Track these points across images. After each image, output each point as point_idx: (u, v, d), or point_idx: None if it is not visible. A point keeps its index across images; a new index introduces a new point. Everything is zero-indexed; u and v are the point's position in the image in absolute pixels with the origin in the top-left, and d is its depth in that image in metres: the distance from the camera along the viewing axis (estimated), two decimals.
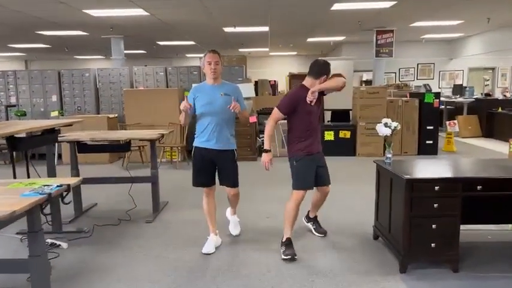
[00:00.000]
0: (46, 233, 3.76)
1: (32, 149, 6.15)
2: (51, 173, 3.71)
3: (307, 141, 3.30)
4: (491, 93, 11.97)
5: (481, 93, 11.56)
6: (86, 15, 7.80)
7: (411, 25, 10.02)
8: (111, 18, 8.23)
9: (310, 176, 3.32)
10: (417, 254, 2.93)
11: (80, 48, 13.48)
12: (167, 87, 8.13)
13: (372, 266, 3.10)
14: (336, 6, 7.65)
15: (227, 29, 9.97)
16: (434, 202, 2.85)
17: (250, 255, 3.32)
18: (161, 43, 12.53)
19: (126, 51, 11.43)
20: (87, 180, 4.45)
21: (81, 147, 4.15)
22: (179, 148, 7.19)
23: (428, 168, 3.31)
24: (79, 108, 8.21)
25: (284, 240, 3.32)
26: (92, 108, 8.23)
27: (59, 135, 4.21)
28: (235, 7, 7.59)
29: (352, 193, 5.07)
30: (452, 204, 2.87)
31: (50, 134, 3.32)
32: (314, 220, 3.80)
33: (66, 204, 2.31)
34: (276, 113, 3.34)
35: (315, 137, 3.36)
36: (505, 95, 10.80)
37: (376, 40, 10.35)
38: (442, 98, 9.11)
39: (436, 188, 2.84)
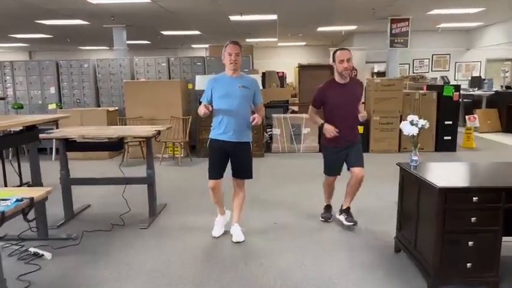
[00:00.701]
0: (31, 239, 3.46)
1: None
2: (35, 174, 3.34)
3: (338, 134, 3.47)
4: (511, 85, 11.36)
5: (501, 86, 10.96)
6: (84, 2, 7.39)
7: (428, 13, 9.44)
8: (112, 5, 7.81)
9: (335, 165, 3.64)
10: (449, 275, 2.51)
11: (82, 38, 13.10)
12: (169, 78, 7.72)
13: (395, 286, 2.68)
14: None
15: (233, 18, 9.49)
16: (472, 215, 2.42)
17: (255, 272, 2.92)
18: (165, 33, 12.09)
19: (129, 42, 11.02)
20: (76, 181, 4.10)
21: (69, 145, 3.77)
22: (182, 143, 6.80)
23: (462, 174, 2.88)
24: (78, 100, 7.85)
25: (324, 206, 3.92)
26: (91, 100, 7.86)
27: (51, 131, 3.86)
28: None
29: (366, 194, 4.55)
30: (493, 217, 2.43)
31: (30, 132, 2.93)
32: (346, 211, 3.68)
33: (29, 222, 1.93)
34: (310, 108, 3.73)
35: (347, 128, 3.51)
36: None
37: (391, 29, 9.79)
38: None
39: (475, 199, 2.40)
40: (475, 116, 7.99)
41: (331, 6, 8.50)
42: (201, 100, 3.38)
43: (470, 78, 11.92)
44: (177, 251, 3.27)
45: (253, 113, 3.32)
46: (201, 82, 7.07)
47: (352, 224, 3.60)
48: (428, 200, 2.57)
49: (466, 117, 7.96)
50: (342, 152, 3.57)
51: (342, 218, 3.69)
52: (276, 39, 14.69)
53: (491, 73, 13.15)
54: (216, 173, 3.30)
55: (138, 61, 7.80)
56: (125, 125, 6.83)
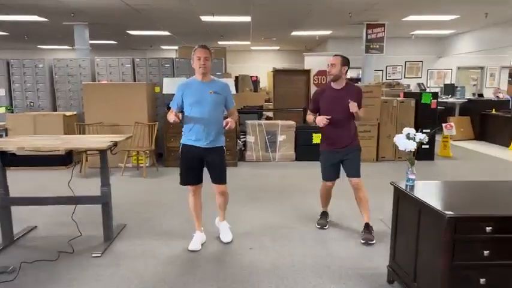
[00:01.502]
0: None
1: None
2: None
3: (330, 137, 3.57)
4: (482, 93, 11.49)
5: (473, 94, 11.04)
6: None
7: (404, 19, 9.33)
8: (70, 1, 7.14)
9: (330, 169, 3.63)
10: None
11: (41, 36, 12.20)
12: (134, 81, 7.12)
13: None
14: None
15: (205, 18, 9.01)
16: (485, 248, 2.06)
17: None
18: (132, 33, 11.42)
19: (93, 41, 10.32)
20: (16, 201, 3.49)
21: (7, 158, 3.17)
22: (147, 152, 6.22)
23: (468, 196, 2.51)
24: (31, 104, 7.10)
25: (320, 212, 3.89)
26: (46, 104, 7.14)
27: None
28: None
29: (349, 210, 4.19)
30: (508, 250, 2.08)
31: None
32: (365, 226, 3.56)
33: None
34: (308, 112, 3.74)
35: (340, 132, 3.52)
36: (497, 96, 10.28)
37: (366, 34, 9.60)
38: None
39: (488, 228, 2.05)
40: (452, 124, 7.87)
41: (307, 9, 8.19)
42: (170, 106, 3.29)
43: (443, 86, 11.97)
44: (136, 286, 2.74)
45: (226, 118, 3.23)
46: (169, 85, 6.53)
47: (364, 241, 3.45)
48: (432, 228, 2.20)
49: (443, 125, 7.82)
50: (336, 155, 3.57)
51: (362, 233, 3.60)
52: (249, 43, 14.30)
53: (461, 80, 13.33)
54: (187, 178, 3.27)
55: (100, 61, 7.15)
56: (83, 131, 6.19)
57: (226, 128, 3.11)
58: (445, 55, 13.27)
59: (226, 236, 3.45)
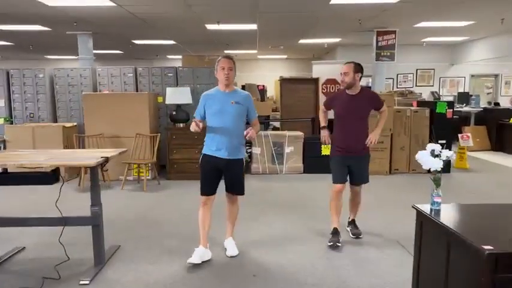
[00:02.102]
0: None
1: None
2: None
3: (341, 142, 3.56)
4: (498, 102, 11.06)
5: (489, 102, 10.63)
6: (40, 5, 6.54)
7: (415, 26, 9.00)
8: (71, 9, 6.97)
9: (340, 172, 3.57)
10: None
11: (47, 46, 12.10)
12: (137, 90, 6.90)
13: None
14: (336, 0, 6.56)
15: (210, 26, 8.79)
16: None
17: None
18: (137, 42, 11.25)
19: (99, 51, 10.16)
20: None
21: None
22: (149, 165, 5.96)
23: (506, 225, 2.17)
24: (31, 115, 6.90)
25: (331, 230, 3.60)
26: (46, 115, 6.93)
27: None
28: None
29: (361, 230, 3.88)
30: None
31: None
32: (351, 223, 3.86)
33: None
34: (321, 107, 3.87)
35: (351, 138, 3.51)
36: None
37: (377, 42, 9.29)
38: None
39: None
40: (468, 134, 7.49)
41: (317, 16, 7.92)
42: (194, 116, 3.33)
43: (456, 94, 11.59)
44: None
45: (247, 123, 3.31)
46: (172, 95, 6.29)
47: (354, 237, 3.72)
48: (465, 264, 1.86)
49: (459, 135, 7.45)
50: (346, 159, 3.56)
51: (348, 229, 3.84)
52: (255, 51, 14.07)
53: (475, 89, 12.93)
54: (207, 188, 3.23)
55: (102, 71, 6.94)
56: (83, 143, 5.95)
57: (246, 137, 3.13)
58: (458, 62, 12.87)
59: (233, 250, 3.41)
